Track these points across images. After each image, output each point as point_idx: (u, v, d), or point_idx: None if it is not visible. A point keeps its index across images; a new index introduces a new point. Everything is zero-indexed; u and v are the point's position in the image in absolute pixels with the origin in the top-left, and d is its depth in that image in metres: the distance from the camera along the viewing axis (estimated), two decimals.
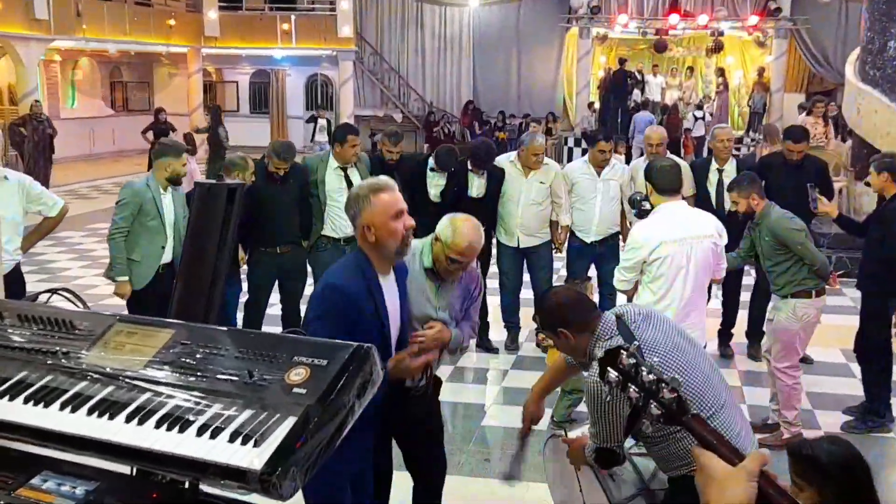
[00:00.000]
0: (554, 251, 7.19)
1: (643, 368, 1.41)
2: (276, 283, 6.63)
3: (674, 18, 21.27)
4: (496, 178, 6.90)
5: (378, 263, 3.14)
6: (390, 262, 3.20)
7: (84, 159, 22.42)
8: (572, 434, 3.52)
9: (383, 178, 3.21)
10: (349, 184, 6.47)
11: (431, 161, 6.89)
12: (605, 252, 6.94)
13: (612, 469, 3.20)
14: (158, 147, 5.86)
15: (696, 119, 19.66)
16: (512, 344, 7.31)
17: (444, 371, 6.55)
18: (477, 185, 6.86)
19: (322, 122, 19.83)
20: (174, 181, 5.65)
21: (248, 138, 23.96)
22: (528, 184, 6.88)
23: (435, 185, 6.86)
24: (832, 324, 7.80)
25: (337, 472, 3.18)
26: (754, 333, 7.04)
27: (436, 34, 24.32)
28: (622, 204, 6.93)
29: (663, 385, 1.41)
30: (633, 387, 1.42)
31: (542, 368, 5.35)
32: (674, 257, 4.42)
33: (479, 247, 3.64)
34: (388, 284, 3.22)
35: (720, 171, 6.82)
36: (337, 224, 6.57)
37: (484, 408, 6.13)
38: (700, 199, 6.72)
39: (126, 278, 5.57)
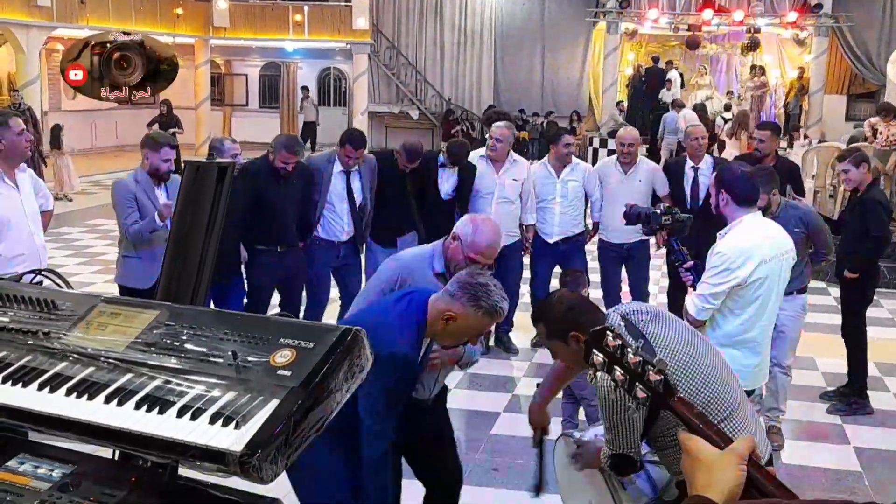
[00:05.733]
0: (524, 252, 7.33)
1: (629, 350, 1.43)
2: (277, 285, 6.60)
3: (707, 14, 21.20)
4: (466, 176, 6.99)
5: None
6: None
7: (85, 154, 22.61)
8: (585, 436, 3.50)
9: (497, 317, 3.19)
10: (349, 191, 6.55)
11: (442, 157, 6.94)
12: (569, 249, 7.22)
13: (629, 476, 3.20)
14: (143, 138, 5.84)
15: (726, 122, 19.38)
16: (496, 346, 7.40)
17: (452, 378, 6.57)
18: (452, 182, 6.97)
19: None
20: (157, 176, 5.51)
21: (257, 134, 24.06)
22: (500, 180, 6.98)
23: (446, 181, 6.92)
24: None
25: (342, 479, 3.23)
26: None
27: (456, 27, 24.37)
28: (586, 203, 7.28)
29: (649, 367, 1.43)
30: (619, 369, 1.44)
31: None
32: (771, 277, 4.04)
33: (498, 248, 3.72)
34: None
35: (695, 169, 7.26)
36: (331, 229, 6.62)
37: (493, 416, 6.15)
38: (675, 198, 7.09)
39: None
